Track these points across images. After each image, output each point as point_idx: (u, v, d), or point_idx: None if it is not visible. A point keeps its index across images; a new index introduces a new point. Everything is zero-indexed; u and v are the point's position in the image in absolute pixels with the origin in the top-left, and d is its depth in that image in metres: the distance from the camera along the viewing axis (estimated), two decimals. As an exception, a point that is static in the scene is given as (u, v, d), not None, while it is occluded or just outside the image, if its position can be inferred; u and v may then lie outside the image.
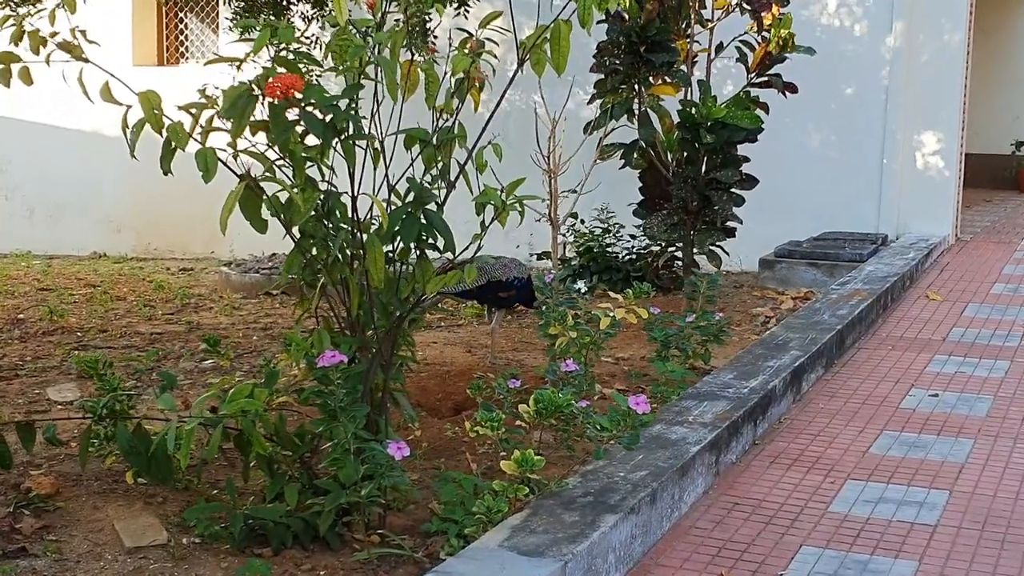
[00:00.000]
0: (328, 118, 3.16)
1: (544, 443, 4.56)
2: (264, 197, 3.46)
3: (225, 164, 3.45)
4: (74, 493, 4.00)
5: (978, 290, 8.31)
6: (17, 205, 12.68)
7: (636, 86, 7.14)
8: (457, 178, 3.74)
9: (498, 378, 4.78)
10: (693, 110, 7.06)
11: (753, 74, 7.42)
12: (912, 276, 8.49)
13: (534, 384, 5.10)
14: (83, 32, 3.63)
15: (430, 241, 3.61)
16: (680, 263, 7.73)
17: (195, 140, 3.45)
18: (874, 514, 4.12)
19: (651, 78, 7.22)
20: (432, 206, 3.66)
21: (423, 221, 3.55)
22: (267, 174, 3.47)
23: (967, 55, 10.33)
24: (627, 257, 8.90)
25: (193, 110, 3.45)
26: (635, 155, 7.18)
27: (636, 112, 7.13)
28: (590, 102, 7.36)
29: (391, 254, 3.66)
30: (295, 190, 3.47)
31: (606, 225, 9.11)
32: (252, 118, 3.38)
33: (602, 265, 8.77)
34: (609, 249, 8.96)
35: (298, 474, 3.77)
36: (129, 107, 3.45)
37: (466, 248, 3.61)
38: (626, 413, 3.71)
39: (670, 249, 7.64)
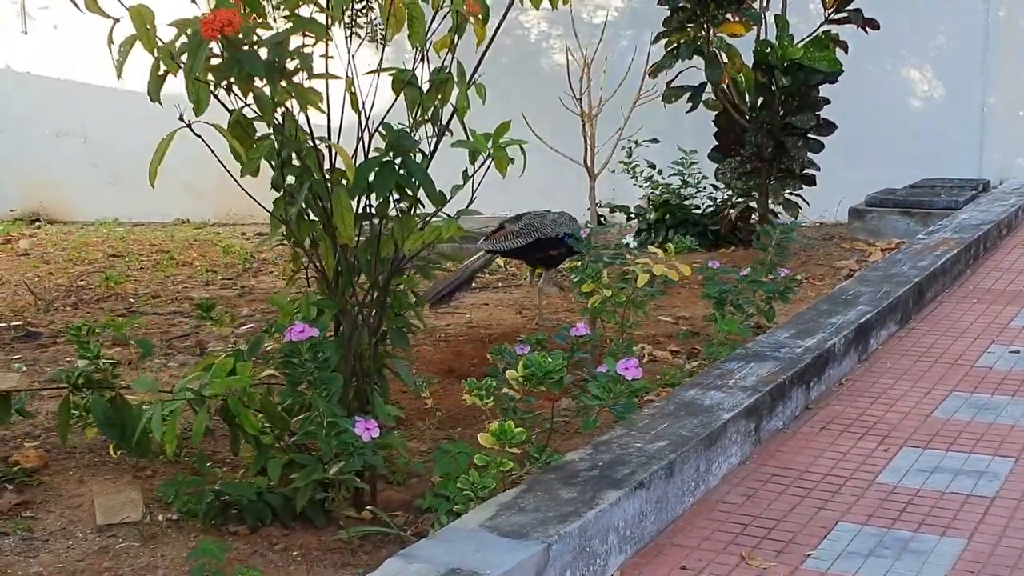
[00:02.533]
0: (273, 57, 2.85)
1: (569, 409, 4.26)
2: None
3: (217, 98, 3.15)
4: (63, 466, 3.82)
5: (1084, 237, 7.69)
6: (103, 173, 12.68)
7: (704, 24, 6.69)
8: (449, 122, 3.41)
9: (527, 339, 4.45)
10: (768, 50, 6.59)
11: (831, 10, 6.91)
12: (1010, 224, 7.89)
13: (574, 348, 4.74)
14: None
15: (414, 194, 3.30)
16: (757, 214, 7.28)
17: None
18: (926, 485, 3.70)
19: (722, 15, 6.76)
20: (418, 155, 3.35)
21: (401, 172, 3.23)
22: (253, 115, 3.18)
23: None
24: (709, 210, 8.45)
25: (189, 29, 3.10)
26: (701, 98, 6.75)
27: (704, 52, 6.68)
28: (655, 41, 6.93)
29: (371, 209, 3.35)
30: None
31: (684, 176, 8.67)
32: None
33: (679, 219, 8.35)
34: (687, 202, 8.54)
35: (285, 447, 3.52)
36: (117, 21, 3.11)
37: (449, 199, 3.29)
38: (616, 380, 3.35)
39: (743, 199, 7.19)
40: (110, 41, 3.09)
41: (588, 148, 4.90)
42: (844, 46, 6.81)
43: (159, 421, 2.99)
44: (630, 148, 8.30)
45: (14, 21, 13.32)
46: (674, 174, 8.56)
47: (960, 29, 9.47)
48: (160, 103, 3.15)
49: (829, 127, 6.71)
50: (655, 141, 8.29)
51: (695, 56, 6.72)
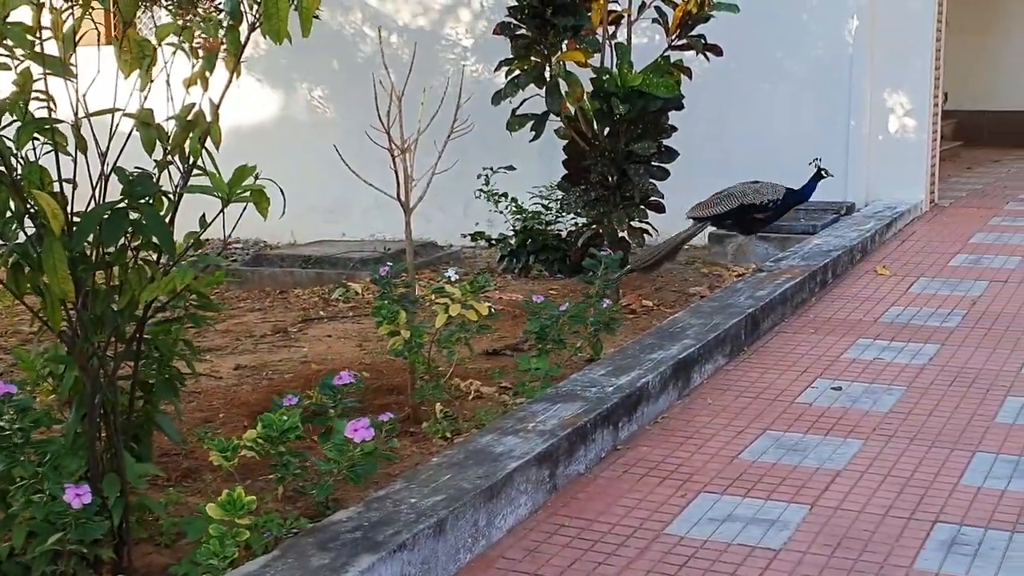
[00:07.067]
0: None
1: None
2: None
3: None
4: None
5: (935, 262, 7.68)
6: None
7: (544, 52, 6.58)
8: (193, 166, 3.23)
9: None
10: (605, 78, 6.50)
11: (673, 36, 6.83)
12: (865, 248, 7.87)
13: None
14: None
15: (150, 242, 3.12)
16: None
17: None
18: (714, 536, 3.58)
19: (564, 44, 6.67)
20: (164, 201, 3.18)
21: (136, 220, 3.04)
22: None
23: (939, 6, 9.64)
24: (570, 236, 8.35)
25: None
26: (544, 127, 6.64)
27: (546, 80, 6.58)
28: (496, 69, 6.82)
29: (108, 257, 3.16)
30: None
31: (546, 202, 8.58)
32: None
33: (539, 244, 8.24)
34: (550, 228, 8.44)
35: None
36: None
37: (186, 250, 3.11)
38: (348, 441, 3.19)
39: (593, 227, 7.09)
40: None
41: (402, 183, 4.74)
42: (687, 72, 6.74)
43: None
44: (487, 176, 8.21)
45: None
46: (536, 202, 8.49)
47: (827, 54, 9.47)
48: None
49: (671, 154, 6.63)
50: (511, 168, 8.22)
51: (539, 84, 6.61)
